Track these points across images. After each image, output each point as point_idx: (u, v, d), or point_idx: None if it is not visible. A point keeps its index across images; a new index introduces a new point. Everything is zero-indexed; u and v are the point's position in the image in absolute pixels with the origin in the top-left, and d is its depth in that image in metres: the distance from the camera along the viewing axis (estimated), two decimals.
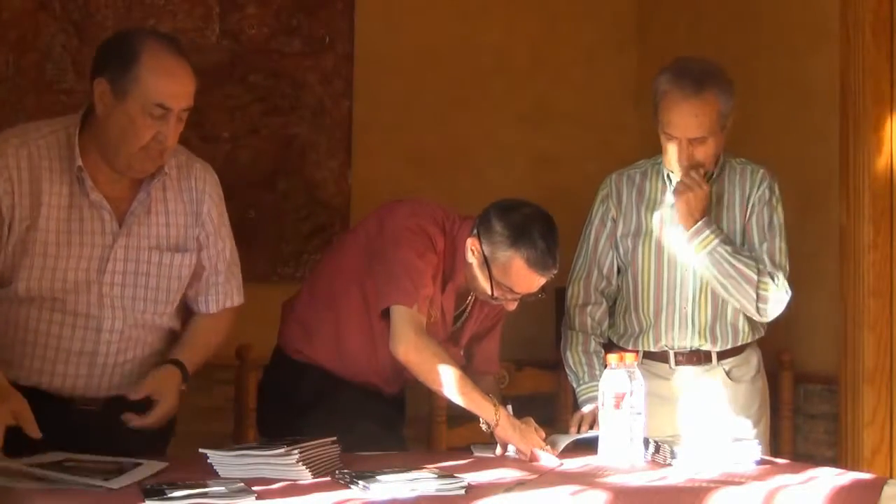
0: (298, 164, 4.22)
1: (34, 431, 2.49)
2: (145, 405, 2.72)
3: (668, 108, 3.25)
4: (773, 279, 3.27)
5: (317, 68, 4.26)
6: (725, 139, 3.32)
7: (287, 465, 2.45)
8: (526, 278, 3.02)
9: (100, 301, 2.73)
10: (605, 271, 3.43)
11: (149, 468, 2.45)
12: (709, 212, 3.32)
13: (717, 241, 3.26)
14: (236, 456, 2.46)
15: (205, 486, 2.27)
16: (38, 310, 2.70)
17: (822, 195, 3.90)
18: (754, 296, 3.27)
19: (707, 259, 3.27)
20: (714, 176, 3.36)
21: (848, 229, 3.78)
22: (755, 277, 3.26)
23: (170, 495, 2.19)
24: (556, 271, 3.08)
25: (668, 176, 3.38)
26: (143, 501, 2.18)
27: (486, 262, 3.03)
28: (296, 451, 2.45)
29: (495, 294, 3.06)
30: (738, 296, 3.27)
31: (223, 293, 2.94)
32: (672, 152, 3.28)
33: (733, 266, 3.26)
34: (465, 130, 4.47)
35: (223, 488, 2.26)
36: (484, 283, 3.05)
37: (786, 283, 3.30)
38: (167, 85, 2.64)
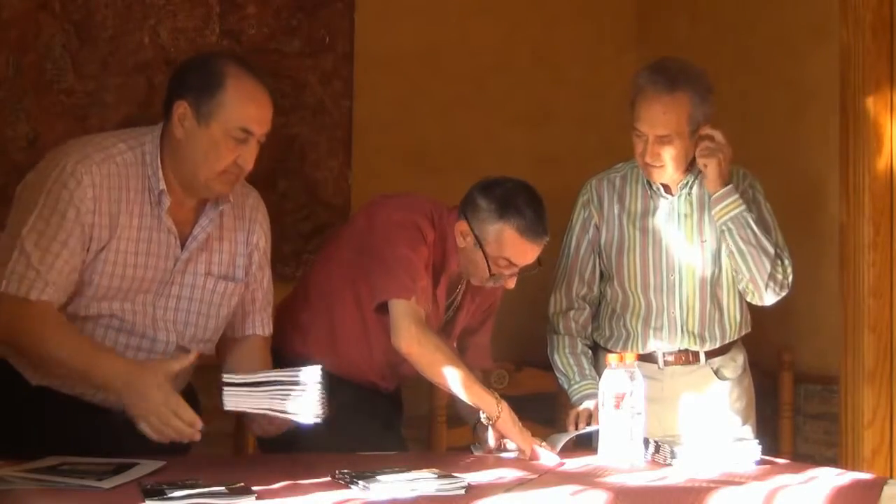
0: (298, 164, 4.21)
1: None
2: None
3: (639, 104, 3.26)
4: (782, 262, 3.29)
5: (317, 68, 4.25)
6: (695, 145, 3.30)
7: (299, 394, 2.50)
8: (520, 248, 3.03)
9: (154, 323, 2.74)
10: (586, 277, 3.43)
11: (144, 468, 2.45)
12: (693, 216, 3.33)
13: (743, 207, 3.26)
14: (251, 384, 2.53)
15: (205, 485, 2.27)
16: (93, 324, 2.69)
17: (822, 195, 3.90)
18: (769, 270, 3.28)
19: (731, 223, 3.26)
20: (692, 180, 3.36)
21: (848, 229, 3.77)
22: (773, 252, 3.28)
23: (170, 495, 2.19)
24: (547, 238, 3.08)
25: (647, 182, 3.38)
26: (143, 501, 2.18)
27: (478, 242, 3.04)
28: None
29: (493, 271, 3.06)
30: (754, 267, 3.27)
31: (259, 321, 2.93)
32: (639, 149, 3.27)
33: (755, 235, 3.26)
34: (465, 130, 4.46)
35: (223, 488, 2.26)
36: (480, 263, 3.05)
37: (790, 273, 3.32)
38: (252, 110, 2.67)
